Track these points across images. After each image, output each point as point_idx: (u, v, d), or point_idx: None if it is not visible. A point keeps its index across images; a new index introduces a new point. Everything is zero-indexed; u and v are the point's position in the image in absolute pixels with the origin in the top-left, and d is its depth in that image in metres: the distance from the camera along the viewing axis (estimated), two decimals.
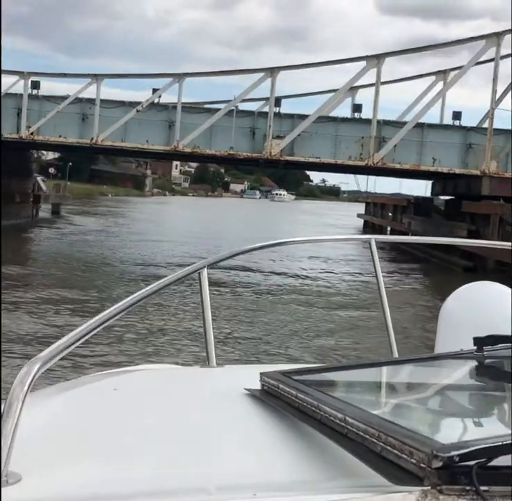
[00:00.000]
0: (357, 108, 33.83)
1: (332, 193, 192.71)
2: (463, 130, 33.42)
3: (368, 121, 33.02)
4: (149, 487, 1.17)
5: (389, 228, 49.31)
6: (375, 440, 1.21)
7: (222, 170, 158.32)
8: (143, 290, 2.01)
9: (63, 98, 32.78)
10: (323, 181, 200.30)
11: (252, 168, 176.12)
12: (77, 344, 1.57)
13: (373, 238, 2.70)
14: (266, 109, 33.62)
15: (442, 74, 38.18)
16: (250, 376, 1.78)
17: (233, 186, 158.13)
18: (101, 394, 1.84)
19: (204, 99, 35.47)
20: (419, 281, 27.10)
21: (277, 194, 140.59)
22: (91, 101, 33.07)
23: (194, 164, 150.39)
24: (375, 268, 2.67)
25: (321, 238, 3.24)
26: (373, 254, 2.65)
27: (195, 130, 32.58)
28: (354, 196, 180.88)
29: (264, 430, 1.49)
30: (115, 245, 30.17)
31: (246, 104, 35.43)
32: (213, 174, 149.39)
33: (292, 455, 1.33)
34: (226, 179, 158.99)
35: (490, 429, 1.44)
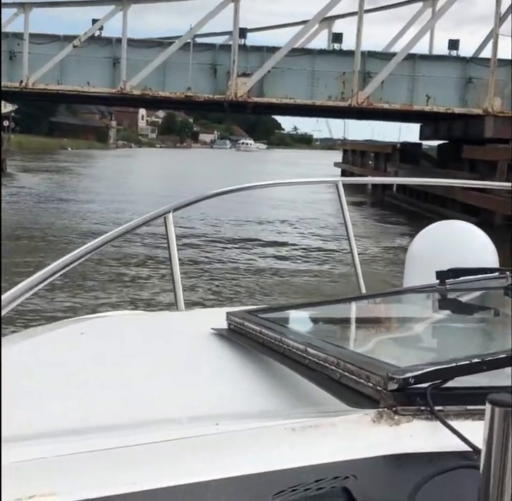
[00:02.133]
0: (336, 38, 28.28)
1: (304, 141, 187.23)
2: (462, 61, 28.12)
3: (350, 53, 27.58)
4: (116, 420, 1.18)
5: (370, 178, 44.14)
6: (334, 368, 1.23)
7: (191, 120, 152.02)
8: (108, 234, 2.04)
9: None
10: (295, 129, 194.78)
11: (221, 117, 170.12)
12: (40, 286, 1.73)
13: (340, 180, 2.77)
14: (229, 43, 27.99)
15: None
16: (217, 317, 1.77)
17: (202, 136, 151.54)
18: (67, 339, 1.83)
19: (157, 35, 29.76)
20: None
21: (243, 143, 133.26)
22: (19, 36, 27.20)
23: (161, 114, 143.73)
24: (342, 209, 2.70)
25: (286, 182, 3.68)
26: (340, 196, 2.70)
27: (145, 68, 26.98)
28: (327, 144, 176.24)
29: (229, 366, 1.51)
30: (54, 213, 24.52)
31: (207, 40, 29.75)
32: (182, 124, 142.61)
33: (256, 387, 1.35)
34: (195, 129, 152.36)
35: (447, 354, 1.41)
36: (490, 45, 30.31)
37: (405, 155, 36.94)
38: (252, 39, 29.11)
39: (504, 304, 1.98)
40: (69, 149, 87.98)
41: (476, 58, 28.66)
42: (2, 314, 1.57)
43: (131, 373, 1.49)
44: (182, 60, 27.27)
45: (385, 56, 27.91)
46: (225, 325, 1.73)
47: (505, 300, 1.97)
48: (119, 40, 27.30)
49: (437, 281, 1.98)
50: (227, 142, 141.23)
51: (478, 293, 2.09)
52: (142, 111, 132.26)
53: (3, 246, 10.57)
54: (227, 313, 1.75)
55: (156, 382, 1.42)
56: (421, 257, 2.75)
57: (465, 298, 2.05)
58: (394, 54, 27.65)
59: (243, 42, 27.78)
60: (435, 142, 37.31)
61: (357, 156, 49.69)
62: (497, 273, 2.11)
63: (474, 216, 25.05)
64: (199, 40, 27.90)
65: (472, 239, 2.80)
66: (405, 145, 37.36)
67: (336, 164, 55.34)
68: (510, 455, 0.74)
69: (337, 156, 75.29)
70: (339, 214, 2.75)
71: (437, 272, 1.98)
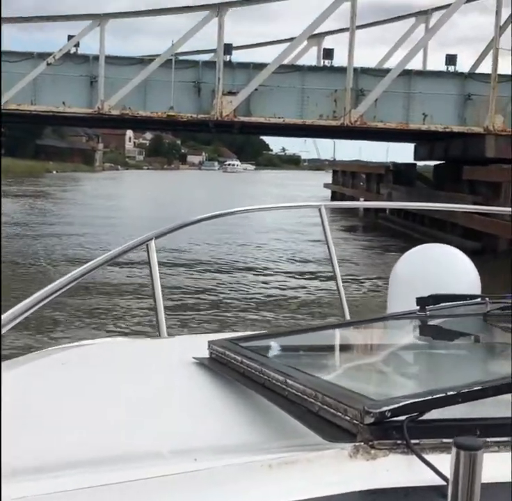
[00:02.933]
0: (327, 54, 26.51)
1: (293, 162, 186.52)
2: (460, 77, 26.37)
3: (341, 70, 25.81)
4: (93, 455, 1.17)
5: (362, 200, 42.38)
6: (313, 400, 1.22)
7: (179, 142, 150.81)
8: (90, 262, 2.04)
9: None
10: (283, 150, 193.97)
11: (209, 139, 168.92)
12: (16, 321, 1.71)
13: (322, 204, 2.75)
14: (214, 60, 26.18)
15: (423, 15, 31.11)
16: (199, 345, 1.76)
17: (190, 158, 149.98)
18: (48, 370, 1.79)
19: (137, 53, 27.95)
20: None
21: (230, 165, 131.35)
22: None
23: (149, 136, 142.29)
24: (325, 234, 2.69)
25: (270, 206, 3.48)
26: (323, 220, 2.70)
27: (124, 87, 25.11)
28: (315, 165, 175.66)
29: (209, 397, 1.50)
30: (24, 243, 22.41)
31: (190, 57, 27.94)
32: (169, 146, 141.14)
33: (235, 419, 1.34)
34: (183, 150, 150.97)
35: (425, 385, 1.39)
36: (486, 61, 28.80)
37: (399, 176, 35.16)
38: (238, 58, 27.33)
39: (483, 331, 2.00)
40: (55, 172, 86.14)
41: (475, 73, 26.97)
42: None
43: (111, 405, 1.47)
44: (164, 78, 25.44)
45: (379, 73, 26.17)
46: (206, 353, 1.72)
47: (484, 326, 1.97)
48: (96, 58, 25.45)
49: (418, 307, 1.97)
50: (216, 163, 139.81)
51: (458, 319, 2.06)
52: (129, 133, 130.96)
53: None
54: (209, 342, 1.73)
55: (136, 414, 1.40)
56: (404, 280, 2.76)
57: (444, 325, 2.04)
58: (388, 70, 25.93)
59: (228, 59, 25.98)
60: (431, 163, 35.66)
61: (347, 177, 47.93)
62: (477, 300, 2.13)
63: (476, 241, 23.31)
64: (182, 57, 26.06)
65: (455, 262, 2.82)
66: (399, 166, 35.58)
67: (326, 185, 53.56)
68: (476, 495, 0.75)
69: (326, 177, 73.73)
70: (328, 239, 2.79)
71: (417, 298, 1.98)
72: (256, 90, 25.57)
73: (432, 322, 1.99)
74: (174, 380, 1.66)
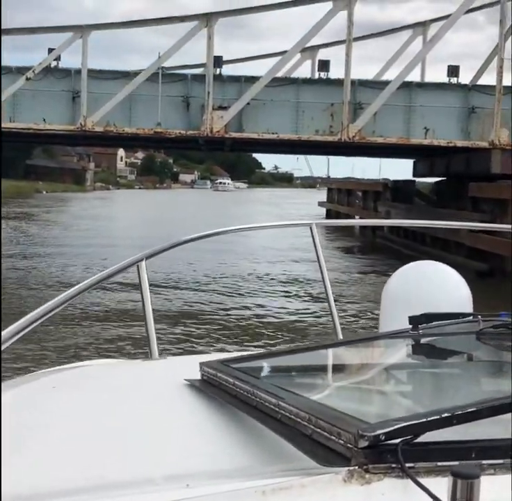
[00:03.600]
0: (323, 65, 24.99)
1: (285, 180, 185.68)
2: (463, 89, 24.87)
3: (338, 82, 24.28)
4: (84, 482, 1.16)
5: (358, 218, 40.86)
6: (306, 424, 1.20)
7: (171, 160, 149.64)
8: (81, 284, 2.03)
9: None
10: (276, 167, 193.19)
11: (201, 157, 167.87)
12: (12, 340, 1.68)
13: (314, 223, 2.73)
14: (203, 74, 24.62)
15: (420, 27, 29.75)
16: (191, 366, 1.74)
17: (183, 177, 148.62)
18: (38, 393, 1.76)
19: (122, 67, 26.33)
20: None
21: (221, 183, 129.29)
22: None
23: (141, 155, 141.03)
24: (317, 252, 2.67)
25: (260, 225, 3.62)
26: (314, 239, 2.68)
27: (108, 102, 23.53)
28: (307, 182, 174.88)
29: (201, 420, 1.47)
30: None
31: (178, 70, 26.39)
32: (161, 164, 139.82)
33: (227, 443, 1.32)
34: (175, 169, 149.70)
35: (419, 406, 1.39)
36: (486, 74, 27.39)
37: (398, 193, 33.62)
38: (228, 73, 25.76)
39: (477, 349, 1.98)
40: (44, 192, 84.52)
41: (479, 85, 25.47)
42: None
43: (103, 430, 1.45)
44: (150, 93, 23.87)
45: (378, 85, 24.65)
46: (198, 375, 1.70)
47: (477, 345, 1.95)
48: (79, 72, 23.87)
49: (410, 326, 1.94)
50: (208, 182, 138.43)
51: (450, 338, 2.03)
52: (121, 153, 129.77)
53: None
54: (201, 363, 1.71)
55: (128, 438, 1.38)
56: (396, 298, 2.72)
57: (437, 344, 2.00)
58: (387, 82, 24.40)
59: (218, 72, 24.44)
60: (430, 180, 34.16)
61: (343, 195, 46.43)
62: (469, 318, 2.11)
63: (483, 262, 21.75)
64: (169, 71, 24.51)
65: (446, 279, 2.79)
66: (397, 183, 34.06)
67: (320, 203, 52.08)
68: None
69: (319, 194, 72.18)
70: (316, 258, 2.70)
71: (409, 317, 1.95)
72: (248, 104, 24.03)
73: (425, 341, 1.96)
74: (166, 402, 1.62)
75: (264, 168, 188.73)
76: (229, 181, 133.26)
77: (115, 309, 13.35)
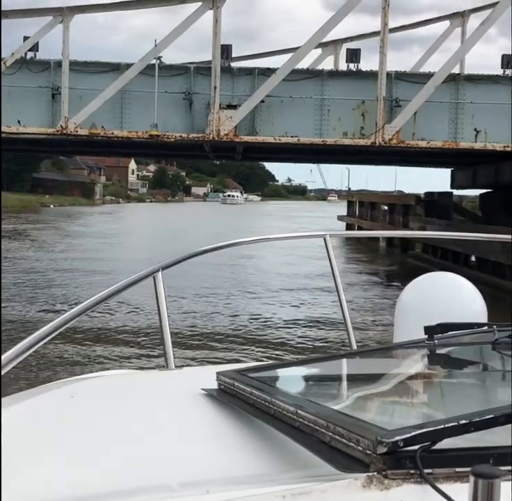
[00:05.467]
0: (352, 55, 20.51)
1: (299, 192, 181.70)
2: None
3: (371, 75, 19.84)
4: (105, 489, 1.16)
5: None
6: (324, 431, 1.21)
7: (183, 173, 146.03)
8: (96, 296, 2.02)
9: None
10: (289, 180, 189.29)
11: (214, 170, 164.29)
12: (25, 355, 1.64)
13: (327, 234, 2.73)
14: (208, 65, 20.19)
15: (459, 17, 25.26)
16: (207, 376, 1.74)
17: (195, 190, 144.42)
18: (57, 402, 1.76)
19: (112, 58, 22.02)
20: None
21: (230, 196, 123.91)
22: None
23: (152, 168, 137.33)
24: (331, 263, 2.67)
25: (275, 237, 3.33)
26: (328, 250, 2.67)
27: (94, 100, 19.20)
28: (321, 194, 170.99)
29: (219, 428, 1.48)
30: None
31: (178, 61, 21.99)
32: (173, 177, 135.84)
33: (246, 450, 1.32)
34: (187, 182, 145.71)
35: (436, 414, 1.41)
36: None
37: (432, 207, 29.12)
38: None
39: (492, 359, 1.97)
40: (52, 206, 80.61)
41: None
42: None
43: (121, 437, 1.45)
44: (145, 89, 19.53)
45: (418, 78, 20.16)
46: (215, 384, 1.68)
47: (493, 354, 1.94)
48: (59, 64, 19.56)
49: (426, 336, 1.94)
50: (220, 195, 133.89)
51: (466, 348, 2.02)
52: (132, 166, 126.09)
53: None
54: (217, 373, 1.70)
55: (146, 447, 1.38)
56: (410, 309, 2.70)
57: (453, 354, 2.01)
58: (429, 75, 19.90)
59: (226, 64, 20.05)
60: (468, 192, 29.70)
61: (365, 209, 41.89)
62: (484, 328, 2.08)
63: None
64: (168, 62, 20.12)
65: (460, 290, 2.76)
66: (432, 195, 29.52)
67: (340, 218, 47.51)
68: None
69: (335, 207, 67.58)
70: (330, 269, 2.67)
71: (425, 327, 1.94)
72: (262, 102, 19.61)
73: (440, 351, 1.95)
74: (184, 411, 1.61)
75: (277, 181, 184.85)
76: (238, 194, 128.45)
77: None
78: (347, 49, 20.76)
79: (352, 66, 20.36)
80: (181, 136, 19.53)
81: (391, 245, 34.92)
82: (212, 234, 31.02)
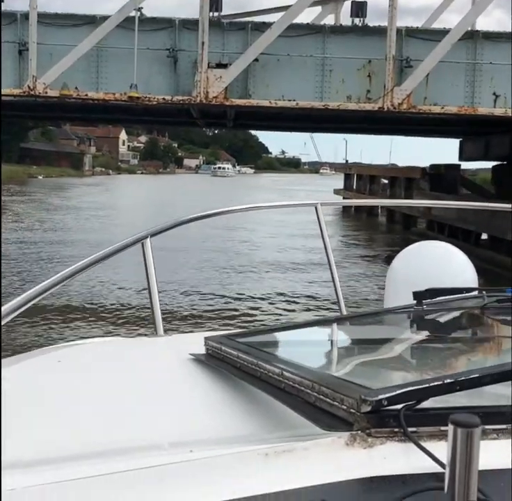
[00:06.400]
0: (358, 9, 18.11)
1: (292, 165, 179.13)
2: None
3: (379, 31, 17.50)
4: (91, 448, 1.17)
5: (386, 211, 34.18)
6: (309, 391, 1.20)
7: (175, 145, 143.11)
8: (83, 261, 2.02)
9: None
10: (283, 152, 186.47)
11: (207, 142, 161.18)
12: (13, 315, 1.72)
13: (319, 203, 2.73)
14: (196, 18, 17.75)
15: None
16: (196, 342, 1.73)
17: (187, 162, 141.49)
18: (44, 367, 1.74)
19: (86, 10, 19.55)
20: None
21: (220, 168, 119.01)
22: None
23: (143, 139, 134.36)
24: (322, 232, 2.70)
25: (264, 205, 3.35)
26: (319, 219, 2.70)
27: (66, 57, 16.83)
28: (314, 167, 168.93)
29: (206, 391, 1.47)
30: None
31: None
32: (165, 149, 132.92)
33: (232, 412, 1.32)
34: (179, 154, 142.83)
35: (422, 376, 1.38)
36: None
37: (438, 181, 26.93)
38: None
39: (480, 323, 1.97)
40: (40, 177, 78.07)
41: None
42: None
43: (109, 400, 1.44)
44: (124, 45, 17.17)
45: (432, 35, 17.82)
46: (203, 350, 1.67)
47: (481, 319, 1.95)
48: (27, 16, 17.14)
49: (415, 301, 1.94)
50: (212, 167, 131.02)
51: (454, 313, 2.03)
52: (123, 136, 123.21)
53: None
54: (205, 338, 1.69)
55: (131, 409, 1.38)
56: (400, 277, 2.71)
57: (441, 319, 1.98)
58: (444, 32, 17.56)
59: (216, 18, 17.67)
60: (477, 164, 27.45)
61: (363, 182, 39.66)
62: (473, 293, 2.09)
63: None
64: (150, 14, 17.73)
65: (451, 258, 2.76)
66: (438, 168, 27.29)
67: (336, 192, 45.22)
68: (474, 475, 0.73)
69: (330, 180, 65.37)
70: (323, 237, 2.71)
71: (414, 292, 1.94)
72: (256, 60, 17.28)
73: (429, 316, 1.94)
74: (171, 375, 1.61)
75: (271, 153, 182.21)
76: (229, 166, 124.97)
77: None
78: (352, 2, 18.33)
79: (357, 21, 18.01)
80: (164, 99, 17.20)
81: (392, 221, 32.78)
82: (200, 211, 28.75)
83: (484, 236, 22.03)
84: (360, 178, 40.34)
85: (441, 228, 24.64)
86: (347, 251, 21.36)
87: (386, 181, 34.85)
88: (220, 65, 17.18)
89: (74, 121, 40.53)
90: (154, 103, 17.25)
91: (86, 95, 17.25)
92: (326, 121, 21.08)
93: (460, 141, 25.89)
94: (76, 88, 17.38)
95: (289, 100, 17.47)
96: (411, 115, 17.64)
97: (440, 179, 26.79)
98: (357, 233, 28.32)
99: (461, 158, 25.92)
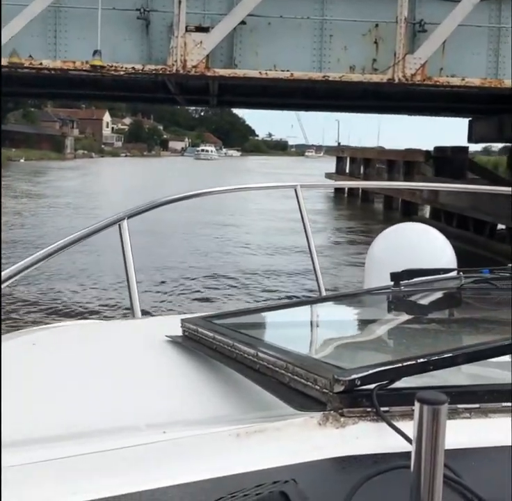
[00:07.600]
0: None
1: (280, 148, 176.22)
2: None
3: None
4: (63, 430, 1.16)
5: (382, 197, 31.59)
6: (283, 372, 1.21)
7: (161, 127, 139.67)
8: (60, 241, 1.99)
9: None
10: (270, 135, 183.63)
11: (193, 124, 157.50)
12: None
13: (298, 184, 2.73)
14: None
15: None
16: (173, 324, 1.71)
17: (172, 144, 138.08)
18: (18, 350, 1.69)
19: None
20: None
21: (203, 151, 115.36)
22: None
23: (128, 121, 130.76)
24: (301, 213, 2.69)
25: (244, 187, 3.28)
26: (299, 201, 2.69)
27: (15, 18, 13.94)
28: (301, 150, 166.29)
29: (182, 373, 1.47)
30: None
31: None
32: (150, 131, 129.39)
33: (207, 393, 1.32)
34: (165, 136, 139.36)
35: (396, 355, 1.35)
36: None
37: (444, 165, 24.28)
38: None
39: (457, 304, 1.99)
40: (21, 160, 74.89)
41: None
42: None
43: (81, 384, 1.41)
44: (87, 4, 14.29)
45: None
46: (180, 332, 1.66)
47: (458, 300, 1.96)
48: None
49: (392, 283, 1.93)
50: (196, 150, 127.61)
51: (432, 293, 2.02)
52: (107, 118, 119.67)
53: None
54: (182, 320, 1.68)
55: (106, 392, 1.36)
56: (379, 259, 2.70)
57: (418, 299, 1.98)
58: None
59: None
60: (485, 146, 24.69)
61: (357, 165, 36.95)
62: (451, 274, 2.09)
63: None
64: None
65: (430, 240, 2.76)
66: (444, 151, 24.60)
67: (328, 175, 42.47)
68: (440, 453, 0.75)
69: (318, 163, 62.66)
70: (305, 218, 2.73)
71: (391, 273, 1.92)
72: (243, 23, 14.45)
73: (406, 297, 1.95)
74: (147, 357, 1.58)
75: (258, 135, 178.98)
76: (212, 148, 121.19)
77: None
78: None
79: None
80: (134, 68, 14.31)
81: (389, 208, 30.23)
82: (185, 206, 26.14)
83: (500, 227, 19.54)
84: (353, 161, 37.59)
85: (449, 218, 22.03)
86: (347, 250, 18.89)
87: (383, 165, 32.16)
88: (201, 29, 14.30)
89: (28, 97, 36.92)
90: (122, 73, 14.35)
91: (41, 64, 14.34)
92: (324, 97, 18.26)
93: (470, 121, 23.17)
94: (30, 56, 14.48)
95: (282, 70, 14.63)
96: (426, 89, 14.89)
97: (445, 162, 24.17)
98: (352, 225, 25.74)
99: (470, 139, 23.21)
